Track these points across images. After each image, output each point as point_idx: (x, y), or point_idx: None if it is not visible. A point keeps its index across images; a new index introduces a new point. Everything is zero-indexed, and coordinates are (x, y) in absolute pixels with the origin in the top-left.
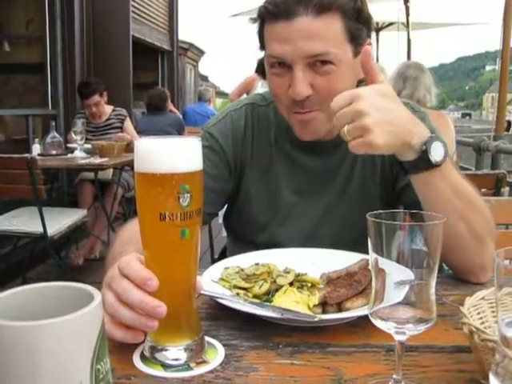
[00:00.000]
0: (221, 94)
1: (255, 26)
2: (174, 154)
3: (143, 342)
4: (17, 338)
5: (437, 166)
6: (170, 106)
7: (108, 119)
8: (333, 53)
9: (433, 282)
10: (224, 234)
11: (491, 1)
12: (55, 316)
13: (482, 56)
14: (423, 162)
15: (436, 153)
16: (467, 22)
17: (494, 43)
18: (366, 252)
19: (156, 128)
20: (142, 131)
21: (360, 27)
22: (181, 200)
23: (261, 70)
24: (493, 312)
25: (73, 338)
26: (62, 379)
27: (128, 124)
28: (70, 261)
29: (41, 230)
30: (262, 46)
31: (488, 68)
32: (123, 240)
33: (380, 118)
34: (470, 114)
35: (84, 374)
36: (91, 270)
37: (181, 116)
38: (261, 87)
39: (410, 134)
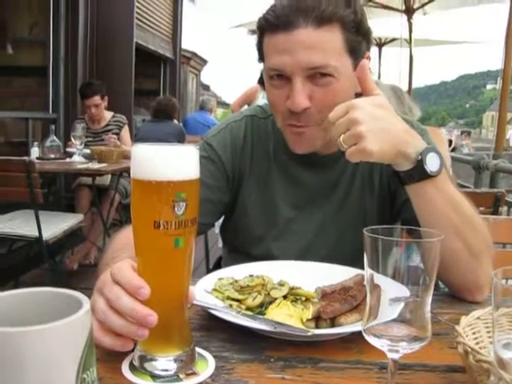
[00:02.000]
0: (222, 104)
1: (255, 38)
2: (171, 162)
3: (133, 350)
4: (2, 343)
5: (432, 176)
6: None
7: (107, 125)
8: (332, 65)
9: (428, 300)
10: (220, 244)
11: (494, 20)
12: (43, 322)
13: (483, 74)
14: (418, 172)
15: (431, 163)
16: (470, 41)
17: (495, 62)
18: (362, 268)
19: (156, 136)
20: (142, 139)
21: (360, 40)
22: (176, 208)
23: (263, 81)
24: (488, 332)
25: (59, 345)
26: None
27: (125, 132)
28: (64, 266)
29: (36, 233)
30: (261, 58)
31: (489, 87)
32: (117, 246)
33: (374, 126)
34: (469, 132)
35: (69, 383)
36: (86, 276)
37: (181, 125)
38: (262, 98)
39: (405, 144)
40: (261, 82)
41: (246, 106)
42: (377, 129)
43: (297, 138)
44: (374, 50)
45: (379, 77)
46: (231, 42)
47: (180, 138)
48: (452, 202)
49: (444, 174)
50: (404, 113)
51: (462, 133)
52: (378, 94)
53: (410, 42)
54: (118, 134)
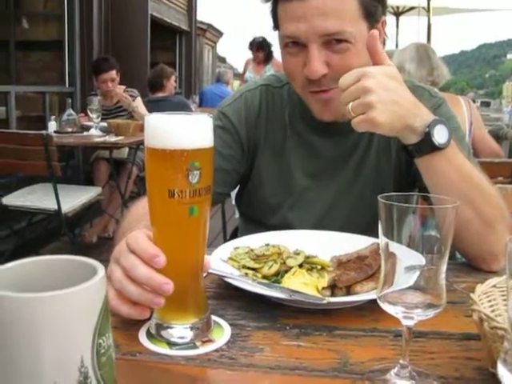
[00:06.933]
0: (238, 75)
1: (269, 6)
2: (184, 131)
3: (149, 319)
4: (16, 310)
5: (441, 148)
6: (172, 84)
7: (119, 101)
8: (348, 31)
9: (443, 268)
10: (237, 215)
11: None
12: (58, 289)
13: (503, 44)
14: (427, 145)
15: (440, 135)
16: (490, 8)
17: None
18: (378, 237)
19: None
20: None
21: (375, 4)
22: (190, 177)
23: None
24: (504, 300)
25: (74, 311)
26: (62, 352)
27: (138, 103)
28: (83, 238)
29: (55, 206)
30: (276, 26)
31: (509, 56)
32: (133, 216)
33: (384, 97)
34: (489, 103)
35: (85, 347)
36: (104, 249)
37: (182, 98)
38: (248, 72)
39: (412, 117)
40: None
41: (248, 75)
42: (387, 100)
43: (323, 106)
44: (391, 18)
45: (397, 46)
46: (247, 13)
47: (184, 111)
48: (462, 172)
49: (453, 145)
50: (429, 73)
51: (482, 104)
52: (389, 65)
53: (428, 10)
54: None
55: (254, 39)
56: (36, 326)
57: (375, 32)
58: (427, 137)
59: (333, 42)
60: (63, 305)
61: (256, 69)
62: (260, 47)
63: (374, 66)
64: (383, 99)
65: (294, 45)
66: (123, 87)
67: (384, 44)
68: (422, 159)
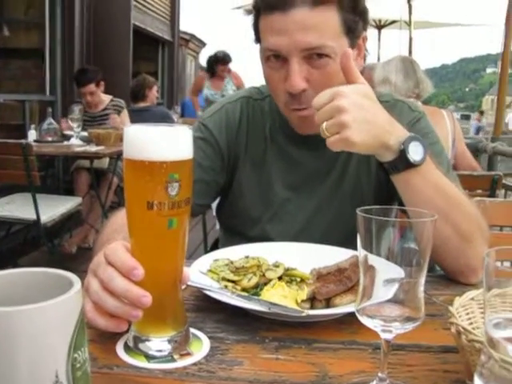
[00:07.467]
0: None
1: (251, 18)
2: (164, 142)
3: (127, 331)
4: None
5: (416, 165)
6: (153, 94)
7: (105, 109)
8: (329, 46)
9: (422, 280)
10: (218, 227)
11: (495, 2)
12: (33, 302)
13: (483, 58)
14: (402, 162)
15: (415, 152)
16: (470, 23)
17: (495, 46)
18: (356, 249)
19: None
20: None
21: (356, 20)
22: (169, 189)
23: (210, 69)
24: (482, 313)
25: (49, 325)
26: (37, 366)
27: (124, 116)
28: (63, 249)
29: (34, 216)
30: (258, 39)
31: (489, 70)
32: (112, 227)
33: (359, 116)
34: (469, 116)
35: (60, 362)
36: (84, 259)
37: (163, 108)
38: (207, 89)
39: (387, 135)
40: (208, 70)
41: (207, 92)
42: (361, 119)
43: (302, 121)
44: (373, 32)
45: (378, 59)
46: (230, 24)
47: (166, 122)
48: (439, 189)
49: (429, 162)
50: (415, 86)
51: (462, 117)
52: (363, 83)
53: (409, 24)
54: None
55: (217, 53)
56: (11, 339)
57: (349, 51)
58: (402, 154)
59: (314, 56)
60: (39, 318)
61: (216, 84)
62: (229, 58)
63: (347, 84)
64: (357, 118)
65: (275, 58)
66: (110, 97)
67: (365, 60)
68: (398, 176)
